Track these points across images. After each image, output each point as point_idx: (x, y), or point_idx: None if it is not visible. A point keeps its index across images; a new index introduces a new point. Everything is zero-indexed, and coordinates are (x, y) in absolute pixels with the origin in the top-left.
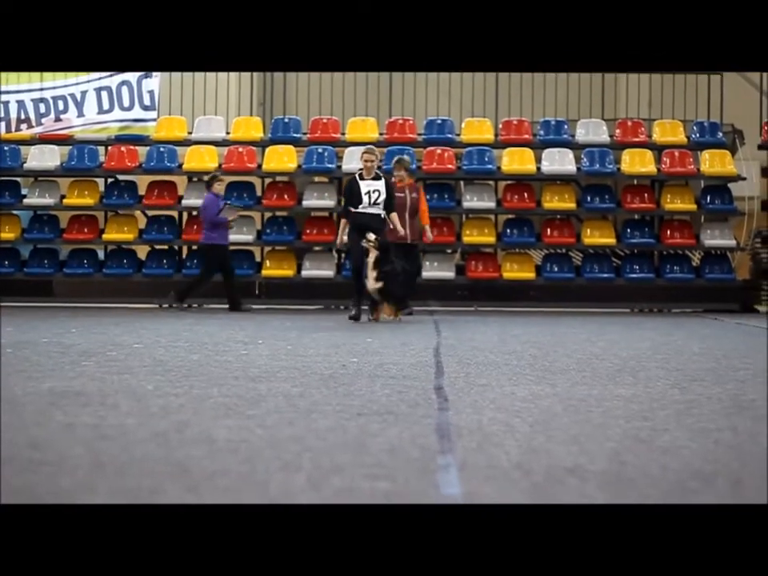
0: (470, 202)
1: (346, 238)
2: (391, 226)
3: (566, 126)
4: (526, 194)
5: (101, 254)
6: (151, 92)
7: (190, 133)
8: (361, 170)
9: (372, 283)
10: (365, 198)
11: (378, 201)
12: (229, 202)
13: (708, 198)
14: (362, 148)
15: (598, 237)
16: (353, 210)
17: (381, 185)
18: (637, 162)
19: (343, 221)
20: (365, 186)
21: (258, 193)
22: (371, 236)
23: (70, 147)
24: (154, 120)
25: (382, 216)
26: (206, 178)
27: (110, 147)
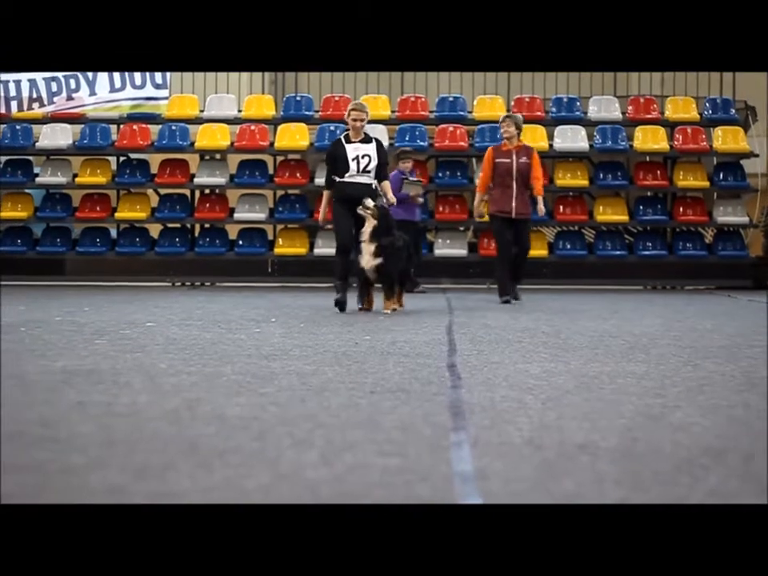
0: None
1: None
2: (386, 198)
3: (578, 103)
4: None
5: (113, 233)
6: None
7: (202, 111)
8: (347, 130)
9: (368, 259)
10: (352, 165)
11: (369, 168)
12: (406, 176)
13: (720, 175)
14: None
15: (610, 214)
16: (338, 179)
17: (371, 148)
18: (649, 139)
19: (326, 193)
20: (352, 150)
21: (270, 171)
22: (369, 202)
23: (82, 126)
24: (166, 98)
25: (374, 186)
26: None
27: (121, 126)
